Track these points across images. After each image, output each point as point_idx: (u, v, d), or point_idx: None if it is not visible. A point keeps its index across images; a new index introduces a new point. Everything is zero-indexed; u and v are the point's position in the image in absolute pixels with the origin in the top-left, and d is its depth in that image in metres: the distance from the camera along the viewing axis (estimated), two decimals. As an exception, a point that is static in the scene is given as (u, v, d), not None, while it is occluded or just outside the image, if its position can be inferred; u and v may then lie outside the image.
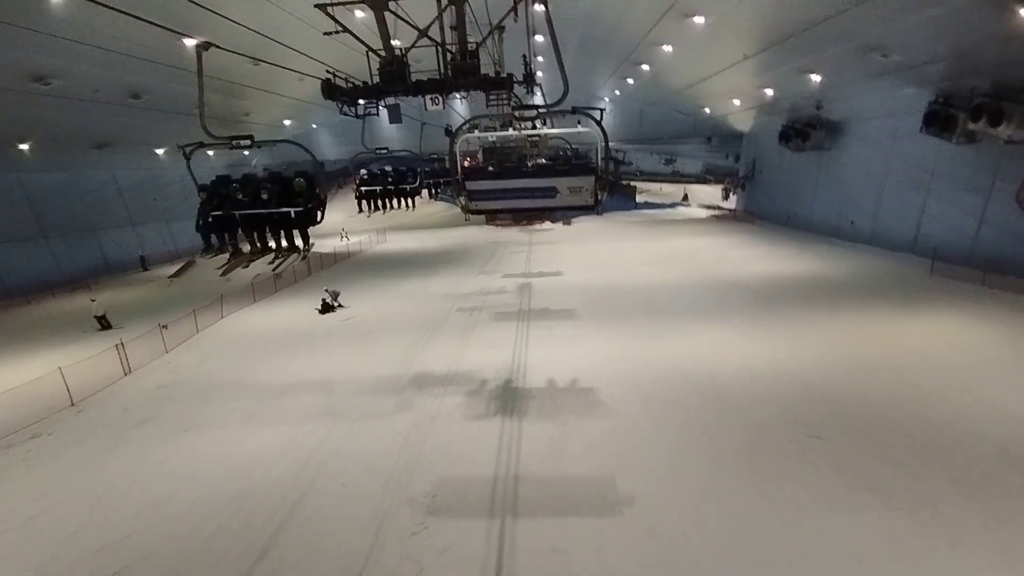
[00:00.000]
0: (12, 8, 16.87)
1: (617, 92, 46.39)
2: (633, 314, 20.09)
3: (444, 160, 32.80)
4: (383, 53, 10.98)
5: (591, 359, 15.72)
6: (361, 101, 11.74)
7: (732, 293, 22.21)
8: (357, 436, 12.08)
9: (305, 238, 13.49)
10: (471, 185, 12.46)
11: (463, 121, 13.83)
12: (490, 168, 15.91)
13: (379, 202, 25.29)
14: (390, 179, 25.28)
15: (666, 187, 68.24)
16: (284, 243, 13.71)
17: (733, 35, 23.65)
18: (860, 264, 26.01)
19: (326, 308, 23.88)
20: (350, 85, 11.70)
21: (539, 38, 26.22)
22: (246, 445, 11.98)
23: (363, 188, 24.88)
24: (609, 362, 15.39)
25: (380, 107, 11.95)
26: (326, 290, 24.53)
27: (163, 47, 22.67)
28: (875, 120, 28.91)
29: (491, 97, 12.47)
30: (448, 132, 30.24)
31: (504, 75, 11.85)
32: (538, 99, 39.85)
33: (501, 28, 24.33)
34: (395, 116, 11.95)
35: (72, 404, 14.76)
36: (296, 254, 13.60)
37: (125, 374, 17.00)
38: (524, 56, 13.56)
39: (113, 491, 10.44)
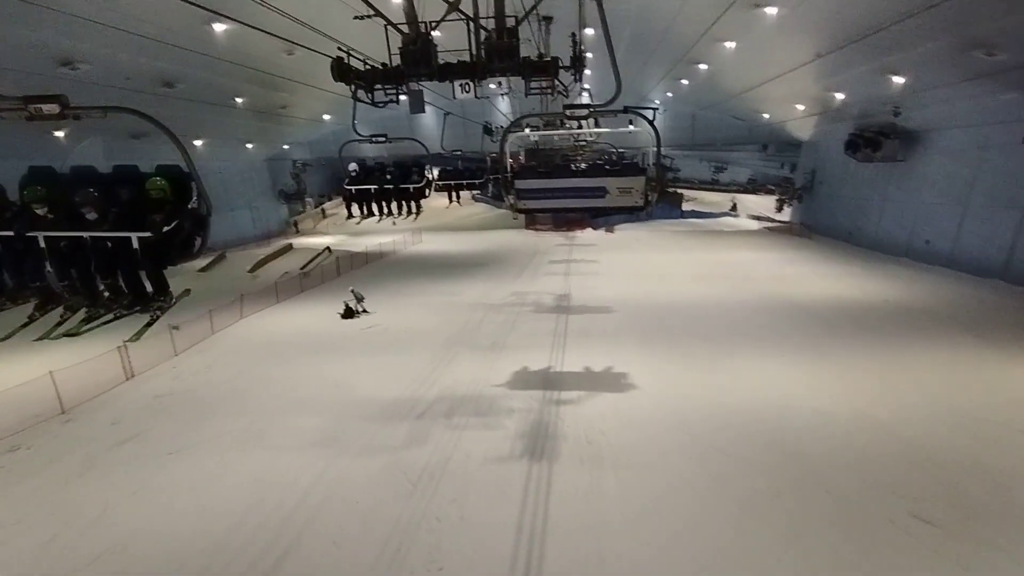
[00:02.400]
0: (29, -16, 15.92)
1: (669, 95, 43.90)
2: (681, 337, 17.95)
3: (472, 159, 29.78)
4: (406, 29, 9.27)
5: (635, 392, 13.71)
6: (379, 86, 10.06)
7: (794, 317, 19.77)
8: (359, 474, 10.40)
9: (159, 285, 7.97)
10: (520, 184, 12.09)
11: (509, 120, 13.63)
12: (538, 168, 15.21)
13: (371, 206, 19.23)
14: (389, 175, 19.05)
15: (713, 196, 65.30)
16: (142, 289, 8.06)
17: (807, 29, 21.16)
18: (941, 290, 23.11)
19: (348, 313, 22.47)
20: (368, 67, 10.05)
21: (589, 31, 24.24)
22: (232, 477, 10.44)
23: (353, 188, 18.77)
24: (655, 396, 13.35)
25: (400, 94, 10.27)
26: (352, 291, 23.16)
27: (190, 32, 21.68)
28: (959, 129, 25.89)
29: (532, 86, 10.68)
30: (487, 130, 28.48)
31: (548, 59, 10.04)
32: (585, 98, 37.94)
33: (548, 19, 22.63)
34: (417, 105, 10.22)
35: (62, 412, 13.57)
36: (147, 312, 7.99)
37: (127, 378, 15.82)
38: (573, 35, 11.65)
39: (71, 528, 8.98)
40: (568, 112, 12.05)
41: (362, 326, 21.17)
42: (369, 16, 9.94)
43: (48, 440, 12.20)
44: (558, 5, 20.67)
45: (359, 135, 17.42)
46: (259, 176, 52.48)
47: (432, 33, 9.32)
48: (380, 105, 10.28)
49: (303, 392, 14.59)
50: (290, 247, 40.68)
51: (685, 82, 36.95)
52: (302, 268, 33.34)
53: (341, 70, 9.45)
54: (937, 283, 24.39)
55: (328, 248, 38.16)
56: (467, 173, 24.41)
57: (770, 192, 55.46)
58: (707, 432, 11.44)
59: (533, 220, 49.70)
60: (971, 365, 14.67)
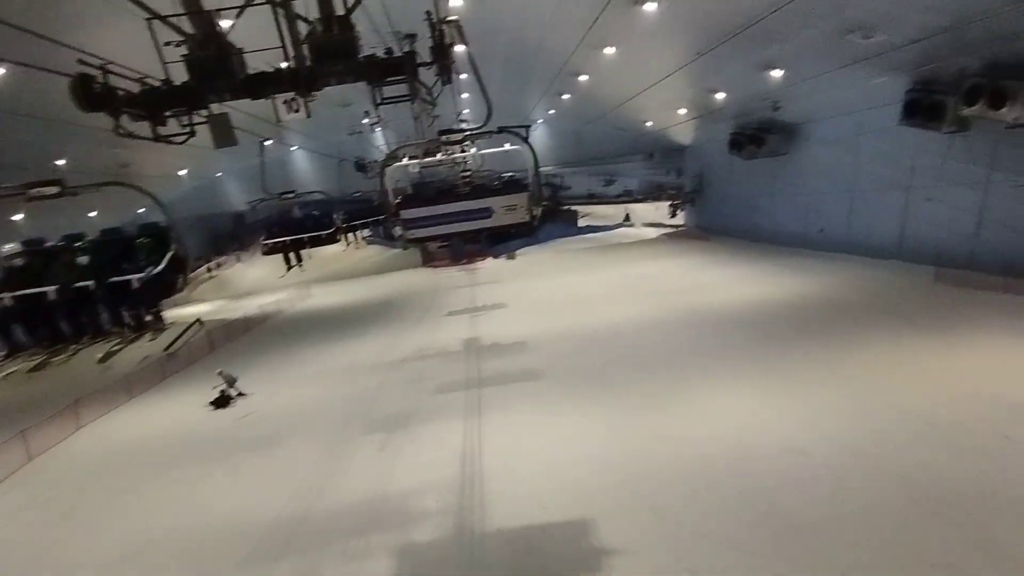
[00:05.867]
0: None
1: (552, 112, 43.11)
2: (611, 372, 15.81)
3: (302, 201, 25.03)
4: (191, 30, 6.37)
5: (571, 456, 11.22)
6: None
7: (723, 329, 18.34)
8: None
9: None
10: (405, 214, 12.01)
11: (386, 153, 12.66)
12: (421, 196, 14.10)
13: (287, 258, 14.20)
14: (304, 224, 14.74)
15: (606, 209, 65.76)
16: None
17: (686, 27, 20.29)
18: (850, 277, 22.82)
19: (222, 400, 18.51)
20: (146, 87, 6.98)
21: (459, 48, 22.11)
22: None
23: (271, 242, 14.77)
24: (597, 459, 10.93)
25: (195, 124, 7.16)
26: (219, 373, 19.15)
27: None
28: (835, 118, 26.35)
29: (384, 95, 8.09)
30: (359, 166, 25.53)
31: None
32: (465, 111, 36.14)
33: (411, 36, 20.29)
34: (223, 136, 7.17)
35: None
36: None
37: None
38: (428, 14, 9.16)
39: None
40: (444, 138, 12.02)
41: (237, 415, 17.36)
42: (178, 43, 6.85)
43: None
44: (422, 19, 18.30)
45: (268, 194, 15.42)
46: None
47: (230, 30, 6.49)
48: (175, 141, 7.24)
49: (148, 532, 10.81)
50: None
51: (566, 97, 36.04)
52: (166, 349, 28.35)
53: (89, 94, 6.31)
54: (843, 270, 24.24)
55: (199, 320, 33.12)
56: (310, 223, 20.55)
57: (658, 199, 56.38)
58: (675, 505, 9.09)
59: (430, 257, 46.91)
60: (920, 362, 13.52)
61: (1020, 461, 9.06)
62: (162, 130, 7.01)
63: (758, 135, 30.58)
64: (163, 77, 6.83)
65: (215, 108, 7.03)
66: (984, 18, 15.12)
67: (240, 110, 9.84)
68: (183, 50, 6.53)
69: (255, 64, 7.08)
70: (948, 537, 7.62)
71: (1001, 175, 19.35)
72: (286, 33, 6.54)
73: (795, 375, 13.68)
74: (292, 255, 18.27)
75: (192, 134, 7.24)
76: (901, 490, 8.73)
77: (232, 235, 59.08)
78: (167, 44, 6.73)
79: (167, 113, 6.96)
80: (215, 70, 6.42)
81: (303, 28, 6.85)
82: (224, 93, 6.68)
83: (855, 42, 18.28)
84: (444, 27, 9.48)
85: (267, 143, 20.50)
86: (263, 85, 6.81)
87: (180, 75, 6.78)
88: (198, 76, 6.48)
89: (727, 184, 38.86)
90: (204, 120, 7.14)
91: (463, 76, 26.58)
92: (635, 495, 9.53)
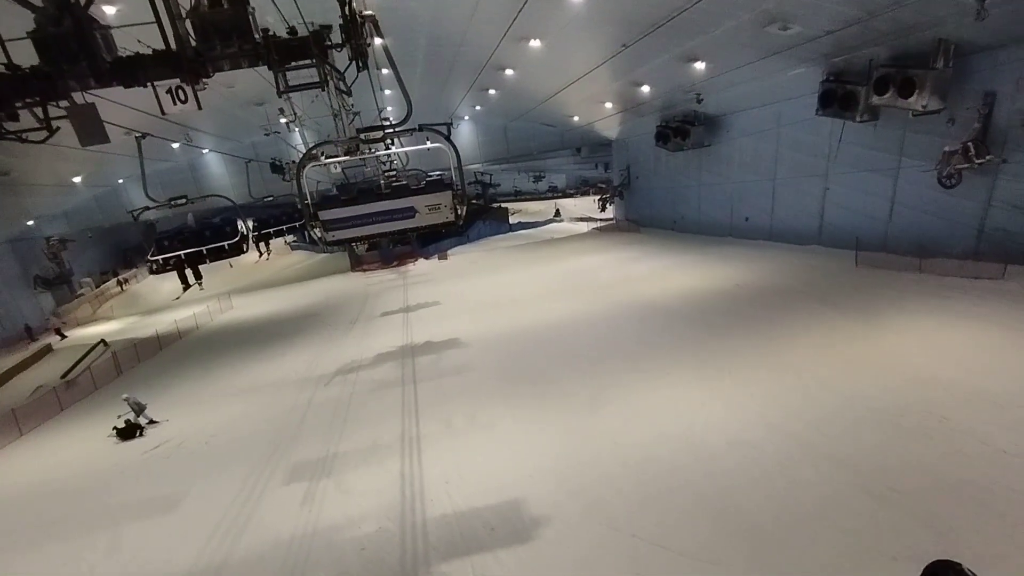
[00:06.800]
0: None
1: (478, 108, 42.31)
2: (551, 373, 15.29)
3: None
4: (39, 3, 5.18)
5: (518, 469, 10.55)
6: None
7: (660, 322, 18.23)
8: None
9: None
10: (324, 215, 11.71)
11: (305, 151, 12.44)
12: (341, 196, 13.74)
13: (184, 274, 16.77)
14: (204, 235, 16.53)
15: (537, 205, 65.90)
16: None
17: (611, 18, 20.04)
18: (778, 264, 23.40)
19: (129, 430, 16.67)
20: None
21: (378, 41, 21.00)
22: None
23: (160, 258, 16.20)
24: (545, 471, 10.32)
25: (51, 118, 5.91)
26: (125, 399, 17.24)
27: None
28: (756, 109, 27.11)
29: (288, 81, 7.08)
30: (276, 167, 23.92)
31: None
32: (389, 108, 34.81)
33: (326, 27, 19.03)
34: (90, 131, 5.95)
35: None
36: None
37: None
38: None
39: None
40: (362, 136, 11.67)
41: (148, 447, 15.64)
42: None
43: None
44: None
45: (153, 200, 15.18)
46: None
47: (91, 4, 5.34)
48: (32, 139, 5.95)
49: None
50: (48, 349, 31.81)
51: (493, 92, 35.33)
52: (63, 376, 25.62)
53: None
54: (770, 258, 24.86)
55: (103, 341, 30.21)
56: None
57: (586, 193, 56.92)
58: (630, 515, 8.60)
59: (359, 261, 45.18)
60: (854, 346, 13.69)
61: (958, 442, 9.17)
62: (12, 125, 5.76)
63: (683, 127, 31.07)
64: (4, 60, 5.56)
65: (79, 98, 5.85)
66: (891, 9, 15.61)
67: (123, 104, 8.55)
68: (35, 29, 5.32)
69: (128, 44, 5.95)
70: (903, 526, 7.52)
71: (910, 161, 20.28)
72: (162, 7, 5.46)
73: (736, 366, 13.61)
74: (190, 271, 16.40)
75: (52, 130, 5.98)
76: (851, 479, 8.62)
77: (143, 246, 54.93)
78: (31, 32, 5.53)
79: (16, 104, 5.69)
80: (73, 51, 5.27)
81: (186, 3, 5.80)
82: (87, 79, 5.52)
83: (773, 34, 18.58)
84: (355, 5, 8.61)
85: (157, 140, 19.33)
86: (138, 70, 5.67)
87: (31, 58, 5.56)
88: (51, 59, 5.30)
89: (654, 176, 39.45)
90: (64, 114, 5.91)
91: (384, 71, 25.46)
92: (587, 507, 8.97)
